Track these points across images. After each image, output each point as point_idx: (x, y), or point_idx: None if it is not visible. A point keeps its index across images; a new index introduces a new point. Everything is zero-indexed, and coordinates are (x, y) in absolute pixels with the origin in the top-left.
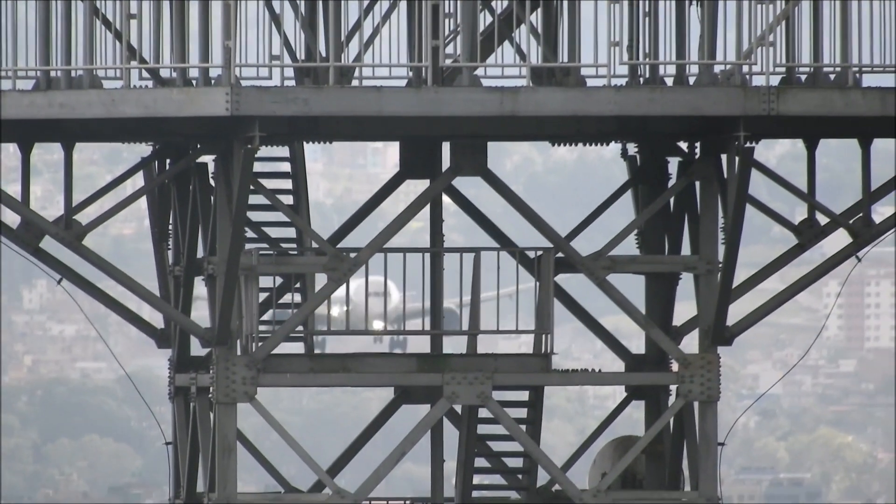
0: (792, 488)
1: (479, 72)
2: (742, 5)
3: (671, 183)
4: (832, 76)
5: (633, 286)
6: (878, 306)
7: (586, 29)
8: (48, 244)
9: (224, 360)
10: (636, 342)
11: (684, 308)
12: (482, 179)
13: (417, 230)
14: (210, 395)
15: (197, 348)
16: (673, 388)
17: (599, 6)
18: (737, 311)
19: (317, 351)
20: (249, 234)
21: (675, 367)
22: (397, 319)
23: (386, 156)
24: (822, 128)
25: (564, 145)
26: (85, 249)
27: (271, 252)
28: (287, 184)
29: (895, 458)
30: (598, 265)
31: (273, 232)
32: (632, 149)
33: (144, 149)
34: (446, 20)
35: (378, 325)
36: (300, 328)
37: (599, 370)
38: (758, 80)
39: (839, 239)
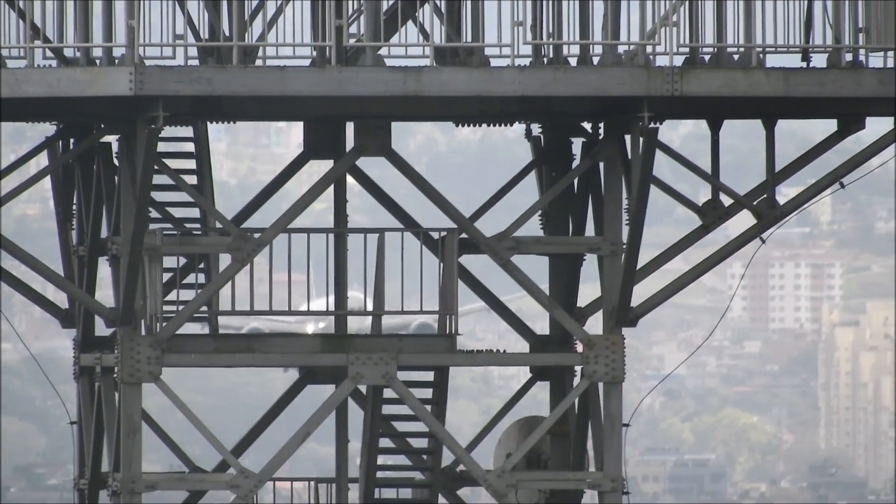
0: (697, 469)
1: (383, 52)
2: None
3: (575, 163)
4: (736, 56)
5: (537, 267)
6: (782, 287)
7: (490, 9)
8: None
9: (128, 340)
10: (540, 323)
11: (589, 289)
12: (386, 160)
13: (321, 211)
14: (115, 375)
15: (102, 328)
16: (578, 368)
17: None
18: (641, 292)
19: (222, 331)
20: (153, 214)
21: (579, 347)
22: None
23: (290, 136)
24: (726, 108)
25: (468, 126)
26: None
27: (175, 232)
28: (191, 164)
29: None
30: (502, 246)
31: (177, 212)
32: (536, 129)
33: (48, 128)
34: (350, 0)
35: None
36: (204, 309)
37: (504, 351)
38: (661, 61)
39: (743, 220)
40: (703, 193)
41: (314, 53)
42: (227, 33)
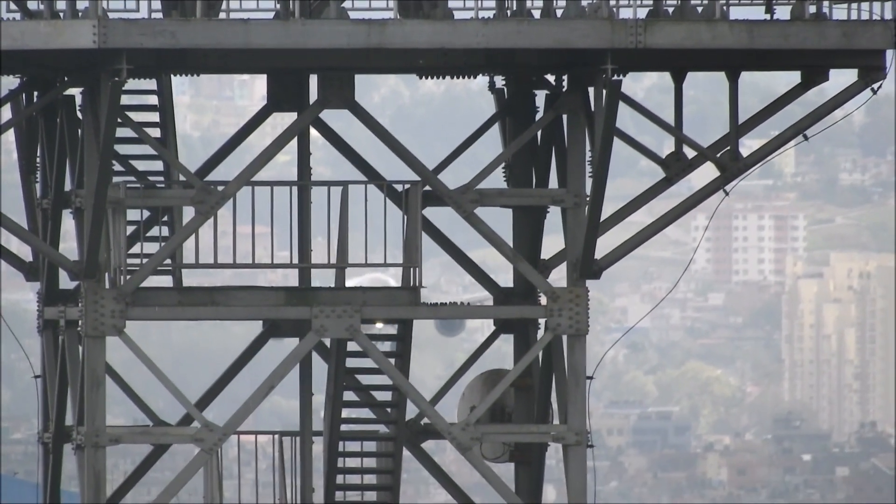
0: (660, 422)
1: (347, 4)
2: None
3: (539, 116)
4: (699, 9)
5: (501, 219)
6: (745, 240)
7: None
8: None
9: (92, 293)
10: (504, 276)
11: (552, 241)
12: (350, 112)
13: (285, 163)
14: (79, 329)
15: (66, 281)
16: (542, 321)
17: None
18: (605, 245)
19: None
20: (117, 167)
21: (543, 300)
22: None
23: (253, 88)
24: (690, 61)
25: (432, 78)
26: None
27: (139, 185)
28: (154, 117)
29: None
30: (465, 198)
31: (140, 165)
32: (499, 81)
33: (12, 81)
34: None
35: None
36: (168, 262)
37: (468, 303)
38: (625, 13)
39: (707, 172)
40: (666, 146)
41: (278, 6)
42: None
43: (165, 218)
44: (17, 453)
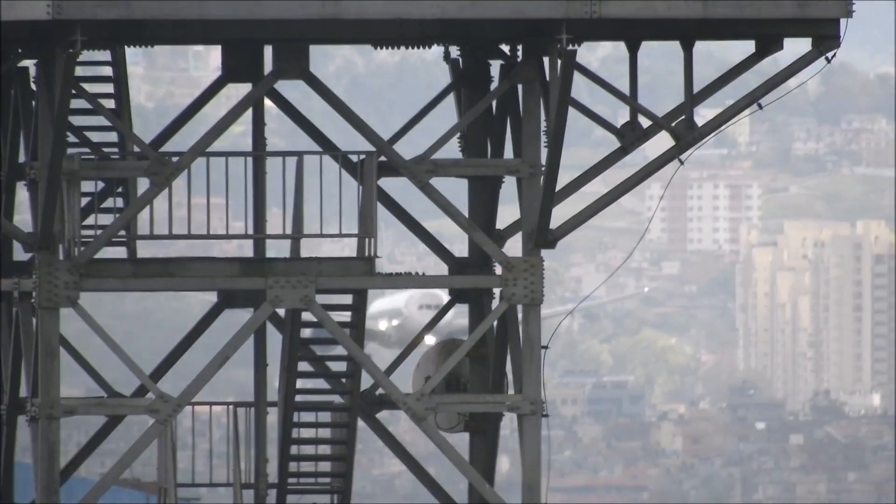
0: (615, 391)
1: None
2: None
3: (494, 86)
4: None
5: (456, 189)
6: (700, 209)
7: None
8: None
9: (46, 264)
10: (459, 245)
11: (507, 211)
12: (304, 83)
13: (240, 134)
14: (33, 300)
15: (20, 253)
16: (497, 291)
17: None
18: (560, 214)
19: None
20: (71, 138)
21: (498, 270)
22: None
23: (208, 59)
24: (644, 31)
25: (386, 48)
26: None
27: (93, 157)
28: (109, 88)
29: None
30: (420, 168)
31: (95, 136)
32: (454, 52)
33: None
34: None
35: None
36: (123, 233)
37: (423, 273)
38: None
39: (661, 142)
40: (621, 115)
41: None
42: None
43: (120, 189)
44: None
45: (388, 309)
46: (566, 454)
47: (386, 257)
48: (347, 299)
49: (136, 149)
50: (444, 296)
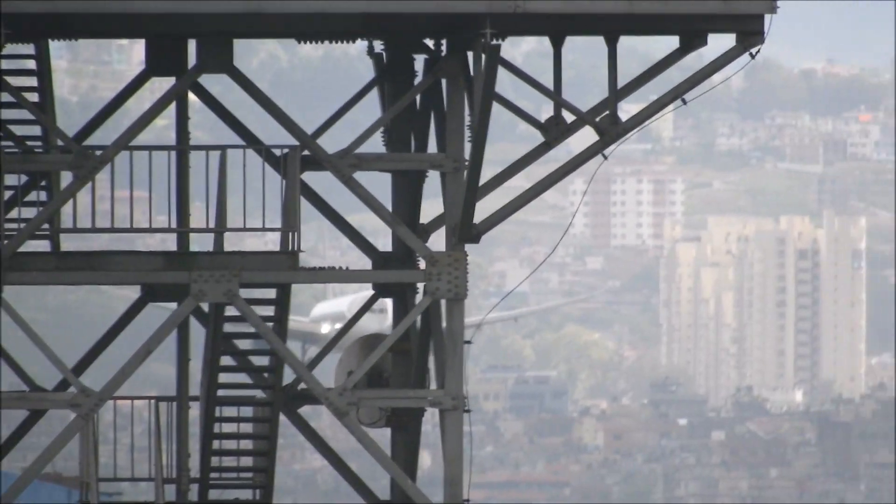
0: (537, 386)
1: None
2: None
3: (418, 80)
4: None
5: (380, 184)
6: (623, 204)
7: None
8: None
9: None
10: (383, 240)
11: (431, 206)
12: (228, 77)
13: (163, 127)
14: None
15: None
16: (420, 285)
17: None
18: (483, 209)
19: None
20: None
21: (422, 264)
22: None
23: (132, 53)
24: (569, 25)
25: (310, 43)
26: None
27: (17, 150)
28: (32, 81)
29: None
30: (344, 163)
31: (18, 130)
32: (378, 46)
33: None
34: None
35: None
36: (46, 226)
37: (346, 268)
38: None
39: (585, 137)
40: (545, 110)
41: None
42: None
43: (43, 183)
44: None
45: (330, 312)
46: (488, 449)
47: (309, 252)
48: (271, 294)
49: (59, 142)
50: (387, 301)
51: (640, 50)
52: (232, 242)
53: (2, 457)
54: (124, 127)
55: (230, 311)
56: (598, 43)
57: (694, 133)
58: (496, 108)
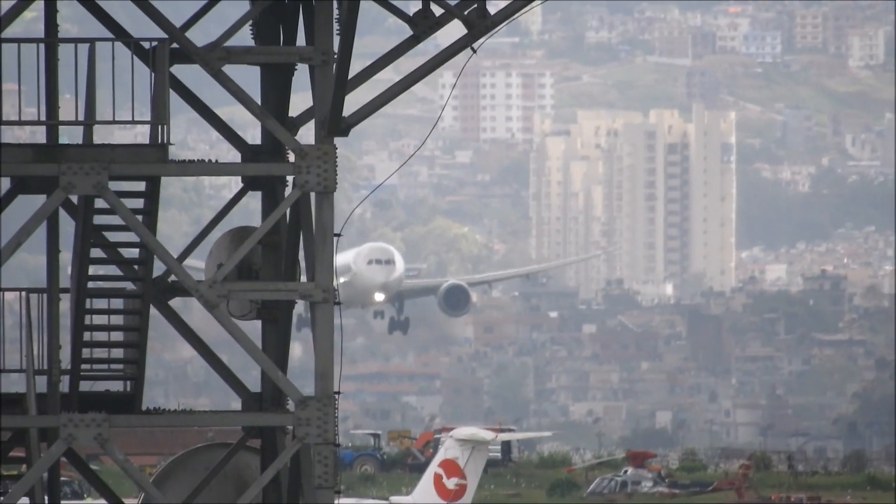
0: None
1: None
2: None
3: None
4: None
5: (249, 77)
6: (493, 97)
7: None
8: None
9: None
10: (252, 133)
11: (300, 99)
12: None
13: (32, 20)
14: None
15: None
16: (290, 178)
17: None
18: (353, 102)
19: None
20: None
21: (291, 157)
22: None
23: None
24: None
25: None
26: None
27: None
28: None
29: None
30: (213, 56)
31: None
32: None
33: None
34: None
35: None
36: None
37: (216, 160)
38: None
39: (454, 30)
40: (413, 3)
41: None
42: None
43: None
44: None
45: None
46: (358, 341)
47: (178, 144)
48: (140, 186)
49: None
50: (392, 250)
51: None
52: (101, 136)
53: None
54: None
55: (100, 203)
56: None
57: (563, 26)
58: (364, 1)
